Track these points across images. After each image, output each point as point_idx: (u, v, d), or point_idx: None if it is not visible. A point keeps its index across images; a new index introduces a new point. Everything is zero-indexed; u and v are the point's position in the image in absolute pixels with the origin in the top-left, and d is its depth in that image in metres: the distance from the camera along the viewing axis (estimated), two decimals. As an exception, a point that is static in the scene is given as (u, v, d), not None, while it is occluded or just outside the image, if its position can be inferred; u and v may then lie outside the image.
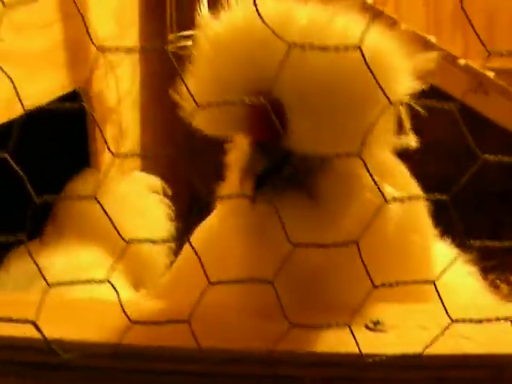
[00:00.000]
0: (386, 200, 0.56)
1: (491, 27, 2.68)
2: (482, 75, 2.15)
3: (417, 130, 0.78)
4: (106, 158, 1.72)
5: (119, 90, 1.83)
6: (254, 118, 0.66)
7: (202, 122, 0.69)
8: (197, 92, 0.63)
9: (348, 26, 0.68)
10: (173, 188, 1.72)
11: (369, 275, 0.58)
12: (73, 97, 1.54)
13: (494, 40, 2.67)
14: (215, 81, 0.70)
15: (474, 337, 0.67)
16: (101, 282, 0.57)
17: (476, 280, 1.00)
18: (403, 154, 0.81)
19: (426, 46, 2.17)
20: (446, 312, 0.60)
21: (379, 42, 0.67)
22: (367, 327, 0.68)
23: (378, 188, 0.59)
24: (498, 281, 2.36)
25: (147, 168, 1.90)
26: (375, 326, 0.68)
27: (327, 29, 0.67)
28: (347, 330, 0.61)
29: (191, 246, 0.57)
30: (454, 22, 2.66)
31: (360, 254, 0.59)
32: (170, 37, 1.77)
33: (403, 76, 0.70)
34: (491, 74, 2.18)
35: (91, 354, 0.63)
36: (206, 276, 0.58)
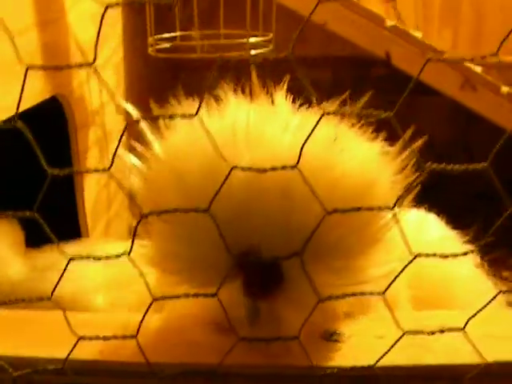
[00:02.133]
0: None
1: (480, 21, 2.66)
2: (469, 70, 2.13)
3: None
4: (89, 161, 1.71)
5: (103, 94, 1.82)
6: (246, 276, 0.61)
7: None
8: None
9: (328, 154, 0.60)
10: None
11: (315, 290, 0.57)
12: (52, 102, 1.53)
13: (483, 33, 2.65)
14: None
15: (434, 347, 0.66)
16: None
17: (482, 272, 0.98)
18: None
19: (413, 41, 2.16)
20: (397, 323, 0.59)
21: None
22: (323, 338, 0.67)
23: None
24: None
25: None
26: (331, 337, 0.67)
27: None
28: (303, 342, 0.60)
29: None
30: (442, 17, 2.65)
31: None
32: (150, 40, 1.75)
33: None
34: (479, 69, 2.17)
35: (40, 371, 0.62)
36: (150, 292, 0.57)
